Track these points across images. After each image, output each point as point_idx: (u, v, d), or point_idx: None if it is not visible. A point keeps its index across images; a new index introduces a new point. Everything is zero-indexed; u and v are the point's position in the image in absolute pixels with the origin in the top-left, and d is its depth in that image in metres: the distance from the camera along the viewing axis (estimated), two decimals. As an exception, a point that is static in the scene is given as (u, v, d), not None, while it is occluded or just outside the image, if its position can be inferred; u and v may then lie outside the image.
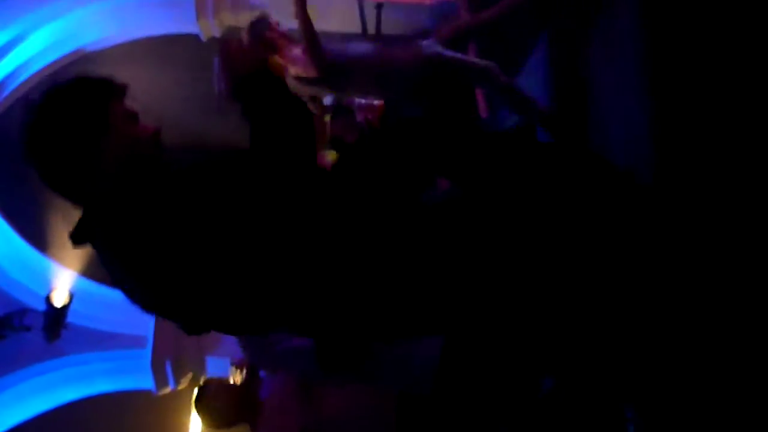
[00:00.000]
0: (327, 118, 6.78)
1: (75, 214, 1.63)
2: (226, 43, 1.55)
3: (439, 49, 3.30)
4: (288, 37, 3.36)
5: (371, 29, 4.51)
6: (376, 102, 4.36)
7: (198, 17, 6.14)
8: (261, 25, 3.38)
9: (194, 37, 6.40)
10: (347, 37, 3.85)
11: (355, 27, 4.66)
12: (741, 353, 1.36)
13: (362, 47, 3.39)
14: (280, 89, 1.48)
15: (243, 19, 6.24)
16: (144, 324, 6.91)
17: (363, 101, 4.35)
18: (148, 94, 7.29)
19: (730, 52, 1.96)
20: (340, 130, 5.91)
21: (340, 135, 5.86)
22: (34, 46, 6.26)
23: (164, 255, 1.31)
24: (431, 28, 3.92)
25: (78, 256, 7.52)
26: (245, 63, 1.47)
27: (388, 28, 4.71)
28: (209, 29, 6.29)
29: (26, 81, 6.43)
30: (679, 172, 1.85)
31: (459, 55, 3.39)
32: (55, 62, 6.49)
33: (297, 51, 3.29)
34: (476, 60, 3.49)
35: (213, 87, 1.66)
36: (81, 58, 6.59)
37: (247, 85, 1.43)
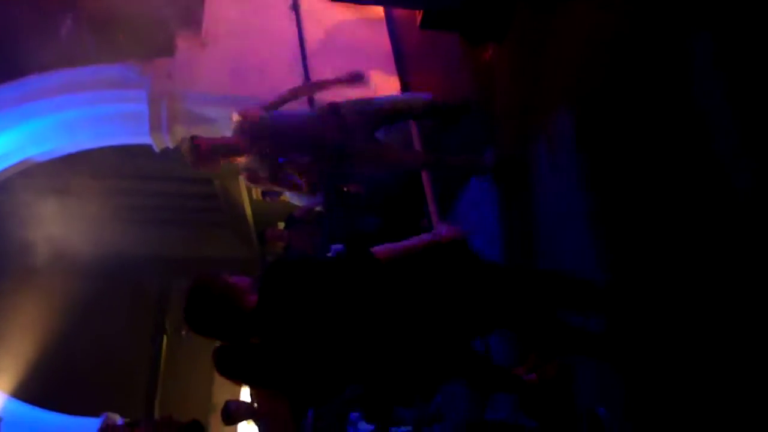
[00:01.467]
0: (281, 225, 6.79)
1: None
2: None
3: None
4: (235, 152, 3.39)
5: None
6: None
7: (151, 130, 6.20)
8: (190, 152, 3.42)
9: (143, 148, 6.47)
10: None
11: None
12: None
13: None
14: None
15: (197, 131, 6.36)
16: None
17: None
18: (94, 202, 7.25)
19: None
20: (299, 241, 5.91)
21: (300, 246, 5.84)
22: (-19, 157, 6.19)
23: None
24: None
25: (9, 375, 7.06)
26: None
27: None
28: (162, 141, 6.35)
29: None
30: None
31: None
32: (3, 171, 6.40)
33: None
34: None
35: None
36: (28, 167, 6.54)
37: None
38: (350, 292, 2.08)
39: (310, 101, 4.56)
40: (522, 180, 3.18)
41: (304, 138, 3.30)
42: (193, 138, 3.43)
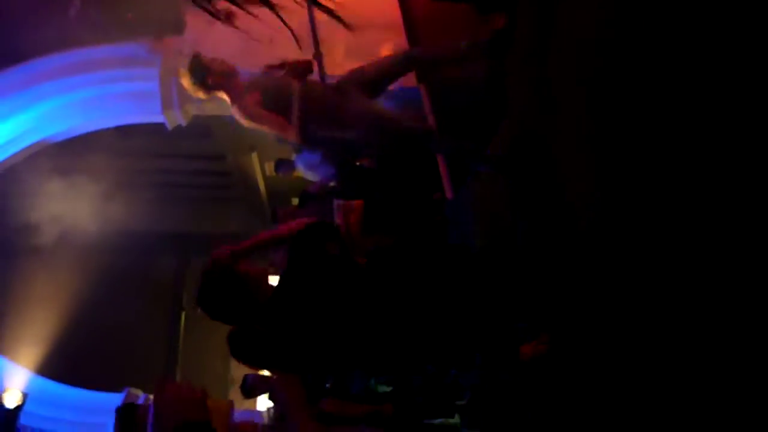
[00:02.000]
0: (295, 201, 6.81)
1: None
2: (162, 389, 1.56)
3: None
4: (232, 78, 3.43)
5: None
6: (354, 202, 4.33)
7: (164, 108, 6.21)
8: (199, 69, 3.45)
9: (156, 126, 6.49)
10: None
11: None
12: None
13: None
14: None
15: (208, 109, 6.37)
16: (101, 424, 6.55)
17: (341, 201, 4.33)
18: (111, 180, 7.30)
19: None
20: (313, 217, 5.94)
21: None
22: (-1, 138, 6.25)
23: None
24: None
25: (32, 352, 7.21)
26: (180, 413, 1.49)
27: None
28: (175, 119, 6.37)
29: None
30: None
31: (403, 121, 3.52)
32: (18, 153, 6.46)
33: (252, 99, 3.37)
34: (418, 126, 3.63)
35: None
36: (44, 148, 6.59)
37: None
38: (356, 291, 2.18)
39: (322, 77, 4.54)
40: (535, 154, 3.16)
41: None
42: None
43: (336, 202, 3.93)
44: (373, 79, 3.49)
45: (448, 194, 4.46)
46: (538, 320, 2.68)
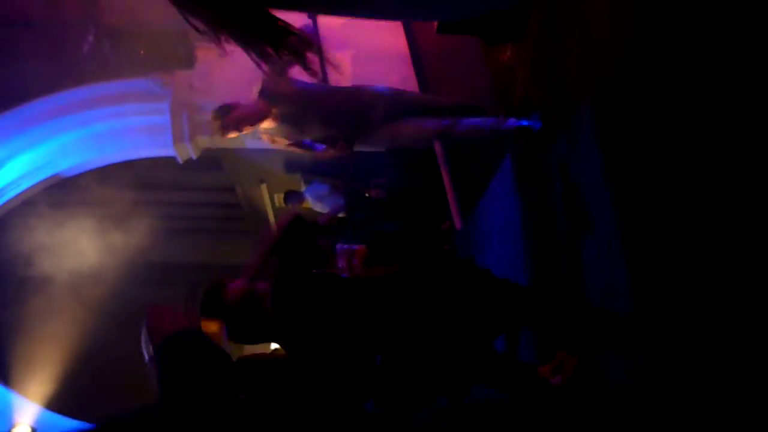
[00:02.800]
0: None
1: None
2: (154, 311, 1.49)
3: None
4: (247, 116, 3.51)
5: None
6: (357, 247, 4.34)
7: (175, 141, 6.27)
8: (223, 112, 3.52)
9: (166, 158, 6.56)
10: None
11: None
12: None
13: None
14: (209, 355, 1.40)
15: (218, 142, 6.44)
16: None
17: (345, 246, 4.34)
18: (120, 212, 7.33)
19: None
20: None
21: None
22: (11, 173, 6.31)
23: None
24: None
25: (42, 387, 7.17)
26: (173, 325, 1.44)
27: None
28: (186, 152, 6.43)
29: (3, 206, 6.44)
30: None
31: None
32: (32, 187, 6.53)
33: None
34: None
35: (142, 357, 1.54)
36: (58, 183, 6.66)
37: (171, 346, 1.38)
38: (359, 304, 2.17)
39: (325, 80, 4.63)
40: (544, 178, 3.16)
41: (326, 105, 3.43)
42: (222, 107, 3.55)
43: (339, 247, 3.96)
44: (410, 109, 3.58)
45: (457, 224, 4.46)
46: (552, 341, 2.65)
